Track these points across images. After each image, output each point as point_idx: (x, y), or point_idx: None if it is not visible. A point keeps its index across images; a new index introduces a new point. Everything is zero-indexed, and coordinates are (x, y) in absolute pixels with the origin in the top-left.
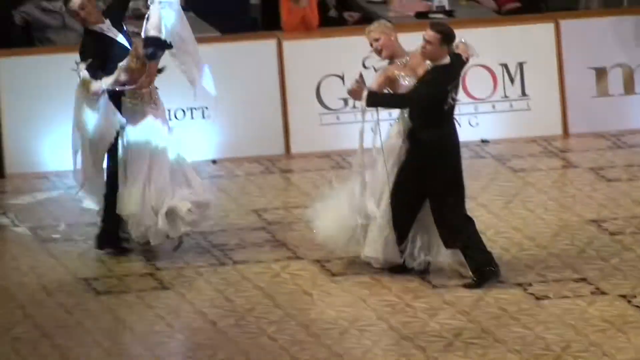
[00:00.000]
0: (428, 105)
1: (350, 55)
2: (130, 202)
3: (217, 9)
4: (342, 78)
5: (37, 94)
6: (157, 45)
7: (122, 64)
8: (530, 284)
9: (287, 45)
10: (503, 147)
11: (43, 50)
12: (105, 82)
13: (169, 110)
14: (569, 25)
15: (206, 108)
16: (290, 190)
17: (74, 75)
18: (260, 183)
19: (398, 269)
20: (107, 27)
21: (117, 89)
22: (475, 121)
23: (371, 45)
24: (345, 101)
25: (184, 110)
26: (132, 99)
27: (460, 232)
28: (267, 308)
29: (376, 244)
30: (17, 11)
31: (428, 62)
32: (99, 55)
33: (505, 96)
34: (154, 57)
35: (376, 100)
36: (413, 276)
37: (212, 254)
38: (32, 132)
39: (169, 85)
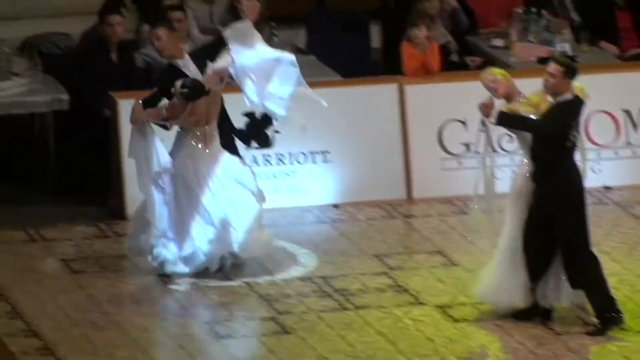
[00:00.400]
0: (552, 140)
1: (472, 100)
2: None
3: (339, 53)
4: (464, 123)
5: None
6: (194, 89)
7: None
8: None
9: (408, 89)
10: (626, 194)
11: None
12: (148, 113)
13: (290, 154)
14: None
15: (328, 152)
16: (412, 236)
17: None
18: (382, 228)
19: (522, 315)
20: (183, 63)
21: (158, 123)
22: (597, 167)
23: (486, 86)
24: (467, 146)
25: (304, 154)
26: (189, 135)
27: (585, 273)
28: (389, 354)
29: (489, 287)
30: (138, 53)
31: (550, 99)
32: (165, 87)
33: (628, 142)
34: (186, 98)
35: (506, 119)
36: (536, 323)
37: (334, 298)
38: None
39: (290, 129)
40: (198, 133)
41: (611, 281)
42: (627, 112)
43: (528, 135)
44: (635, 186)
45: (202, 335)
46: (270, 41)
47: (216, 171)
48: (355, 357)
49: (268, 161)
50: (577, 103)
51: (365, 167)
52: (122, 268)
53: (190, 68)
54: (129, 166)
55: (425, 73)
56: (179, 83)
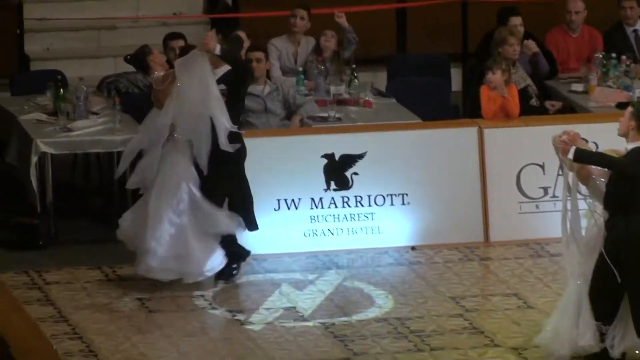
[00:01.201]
0: (631, 180)
1: (550, 144)
2: None
3: (419, 96)
4: (542, 167)
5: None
6: None
7: None
8: None
9: (487, 132)
10: None
11: (245, 135)
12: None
13: (368, 196)
14: None
15: (406, 194)
16: (489, 278)
17: (272, 159)
18: (459, 270)
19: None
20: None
21: None
22: None
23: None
24: (545, 190)
25: (383, 197)
26: None
27: None
28: None
29: (547, 332)
30: None
31: (626, 145)
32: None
33: None
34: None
35: (583, 156)
36: None
37: (409, 339)
38: None
39: (370, 172)
40: None
41: None
42: None
43: (601, 184)
44: None
45: None
46: (350, 83)
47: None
48: None
49: (346, 203)
50: None
51: (443, 209)
52: (198, 307)
53: None
54: None
55: (504, 117)
56: None
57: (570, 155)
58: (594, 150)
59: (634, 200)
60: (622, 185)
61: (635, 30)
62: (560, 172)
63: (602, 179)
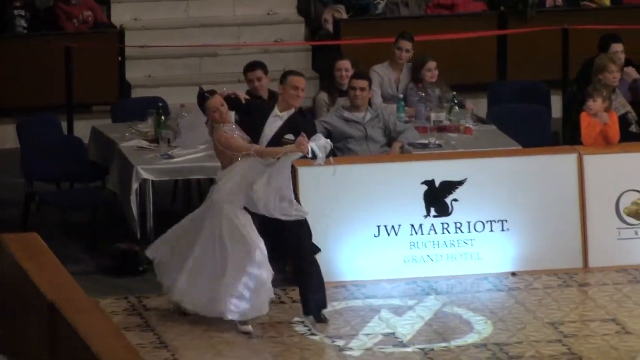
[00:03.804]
0: None
1: None
2: None
3: (519, 122)
4: None
5: (334, 204)
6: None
7: None
8: None
9: (587, 159)
10: None
11: (343, 160)
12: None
13: (468, 222)
14: None
15: (505, 220)
16: (587, 304)
17: (372, 185)
18: (557, 296)
19: None
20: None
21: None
22: None
23: None
24: None
25: (483, 223)
26: None
27: None
28: None
29: None
30: (319, 121)
31: None
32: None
33: None
34: None
35: None
36: None
37: None
38: (327, 239)
39: (470, 199)
40: None
41: None
42: None
43: None
44: None
45: None
46: (451, 110)
47: None
48: None
49: (446, 229)
50: None
51: (543, 235)
52: (298, 333)
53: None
54: None
55: (604, 143)
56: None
57: None
58: None
59: None
60: None
61: None
62: None
63: None
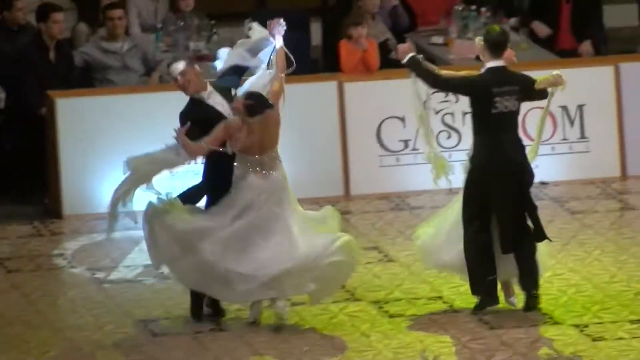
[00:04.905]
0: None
1: (411, 96)
2: None
3: None
4: (403, 120)
5: (96, 135)
6: (260, 100)
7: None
8: (586, 326)
9: (347, 87)
10: (561, 189)
11: (103, 91)
12: (205, 141)
13: None
14: (628, 68)
15: None
16: (349, 232)
17: (133, 116)
18: None
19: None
20: (207, 95)
21: (217, 150)
22: (534, 163)
23: None
24: (406, 143)
25: None
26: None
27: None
28: (324, 349)
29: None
30: (77, 51)
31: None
32: (198, 122)
33: (565, 138)
34: (251, 110)
35: (414, 66)
36: (470, 317)
37: None
38: (90, 173)
39: None
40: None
41: (545, 275)
42: (564, 109)
43: None
44: (570, 181)
45: (136, 333)
46: (209, 39)
47: None
48: (290, 352)
49: None
50: (504, 73)
51: (304, 164)
52: (57, 267)
53: (215, 98)
54: (65, 165)
55: (363, 70)
56: (242, 96)
57: (405, 61)
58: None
59: (478, 122)
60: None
61: None
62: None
63: None
